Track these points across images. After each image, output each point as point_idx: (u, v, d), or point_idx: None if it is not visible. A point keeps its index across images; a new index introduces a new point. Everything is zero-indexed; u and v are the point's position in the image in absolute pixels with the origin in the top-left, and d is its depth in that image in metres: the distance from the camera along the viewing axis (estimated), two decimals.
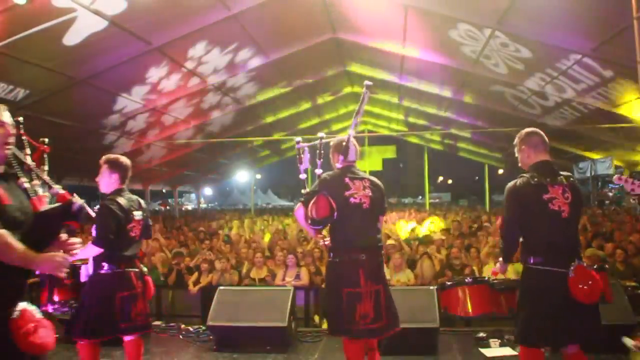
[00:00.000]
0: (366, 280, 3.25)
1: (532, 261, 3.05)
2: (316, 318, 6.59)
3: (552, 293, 2.95)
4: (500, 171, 23.35)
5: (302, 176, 3.62)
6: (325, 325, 6.32)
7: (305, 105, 15.33)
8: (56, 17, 6.23)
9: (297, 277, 6.84)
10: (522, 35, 7.60)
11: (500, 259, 3.35)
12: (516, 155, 3.33)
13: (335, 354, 5.02)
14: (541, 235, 3.04)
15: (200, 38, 8.41)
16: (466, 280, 4.01)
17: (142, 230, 3.82)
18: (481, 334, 5.27)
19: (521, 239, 3.14)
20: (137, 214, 3.75)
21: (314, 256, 7.47)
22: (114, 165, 3.77)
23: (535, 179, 3.06)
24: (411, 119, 17.47)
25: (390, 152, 23.84)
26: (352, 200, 3.33)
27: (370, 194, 3.41)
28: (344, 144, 3.48)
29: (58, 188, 3.03)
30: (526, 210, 3.06)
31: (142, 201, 3.92)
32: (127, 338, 3.78)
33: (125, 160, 3.83)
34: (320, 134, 3.69)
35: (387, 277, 6.80)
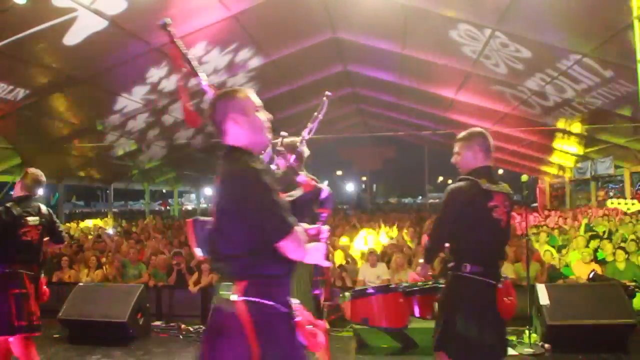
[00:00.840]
0: None
1: (468, 269, 2.82)
2: None
3: (484, 305, 2.80)
4: (500, 171, 23.35)
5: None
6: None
7: (305, 105, 15.33)
8: (56, 17, 6.23)
9: None
10: (522, 35, 7.60)
11: (422, 260, 3.15)
12: (457, 154, 3.02)
13: (335, 354, 5.02)
14: (482, 243, 2.85)
15: (200, 38, 8.41)
16: (368, 291, 3.86)
17: (40, 234, 4.03)
18: None
19: (454, 244, 2.93)
20: (32, 220, 3.97)
21: None
22: (22, 176, 4.15)
23: (486, 185, 2.85)
24: (411, 119, 17.47)
25: (390, 152, 23.89)
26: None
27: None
28: (297, 144, 3.44)
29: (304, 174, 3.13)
30: (468, 215, 2.84)
31: (43, 207, 4.12)
32: (18, 338, 3.85)
33: (33, 172, 4.14)
34: (282, 133, 3.74)
35: (388, 277, 6.85)
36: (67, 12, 6.24)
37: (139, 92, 9.66)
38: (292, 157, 3.40)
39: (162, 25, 2.46)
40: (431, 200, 27.18)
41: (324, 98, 3.51)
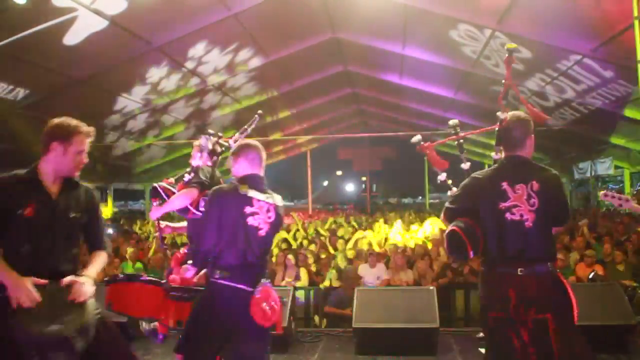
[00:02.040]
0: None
1: (217, 275, 2.86)
2: (316, 318, 6.59)
3: (230, 311, 2.83)
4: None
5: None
6: (324, 325, 6.34)
7: (305, 106, 15.33)
8: (56, 17, 6.24)
9: (297, 277, 6.85)
10: (522, 35, 7.60)
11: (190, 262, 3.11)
12: (231, 161, 3.16)
13: (335, 354, 5.03)
14: (233, 249, 2.88)
15: (200, 38, 8.41)
16: (141, 278, 3.57)
17: None
18: (481, 334, 5.26)
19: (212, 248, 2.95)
20: None
21: (314, 256, 7.48)
22: None
23: (244, 190, 2.94)
24: (411, 119, 17.46)
25: (390, 152, 23.86)
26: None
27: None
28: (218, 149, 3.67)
29: None
30: (224, 218, 2.89)
31: None
32: None
33: None
34: (209, 132, 3.97)
35: (387, 277, 6.85)
36: (67, 12, 6.25)
37: (139, 92, 9.66)
38: (205, 157, 3.69)
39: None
40: (431, 201, 27.18)
41: (256, 115, 4.02)
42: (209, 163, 3.80)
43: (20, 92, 7.61)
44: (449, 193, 3.30)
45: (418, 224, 11.78)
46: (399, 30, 8.87)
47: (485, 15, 7.41)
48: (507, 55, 3.19)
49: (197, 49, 8.77)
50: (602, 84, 8.33)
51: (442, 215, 3.00)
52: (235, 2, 7.67)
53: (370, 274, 6.97)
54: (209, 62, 9.50)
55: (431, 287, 5.42)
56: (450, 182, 3.51)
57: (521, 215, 2.69)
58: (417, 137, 3.54)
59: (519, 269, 2.65)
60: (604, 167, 14.00)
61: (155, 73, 9.08)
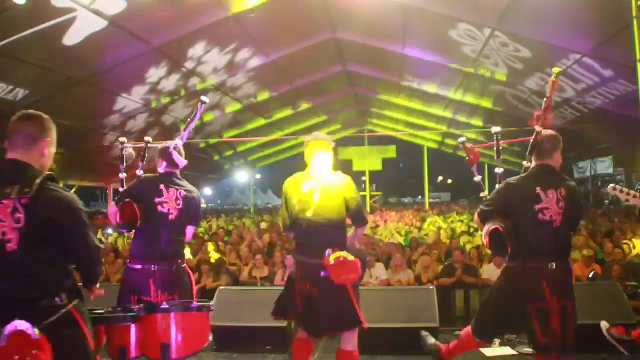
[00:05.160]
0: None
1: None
2: None
3: None
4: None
5: (139, 172, 3.95)
6: None
7: (305, 105, 15.33)
8: (56, 17, 6.23)
9: None
10: (522, 35, 7.60)
11: None
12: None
13: (334, 354, 5.01)
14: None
15: (200, 38, 8.41)
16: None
17: None
18: None
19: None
20: None
21: None
22: None
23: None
24: (411, 119, 17.47)
25: (390, 152, 23.83)
26: (159, 208, 3.42)
27: (181, 206, 3.48)
28: (169, 150, 3.60)
29: None
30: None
31: None
32: None
33: None
34: (146, 138, 4.07)
35: (386, 277, 6.83)
36: (66, 12, 6.24)
37: (139, 92, 9.66)
38: (164, 164, 3.61)
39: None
40: (431, 200, 27.19)
41: (199, 103, 3.94)
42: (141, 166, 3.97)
43: (20, 92, 7.60)
44: (481, 195, 3.72)
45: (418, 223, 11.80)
46: (399, 30, 8.86)
47: (485, 15, 7.41)
48: (553, 78, 3.65)
49: (197, 49, 8.77)
50: (602, 83, 8.33)
51: (476, 216, 3.38)
52: (235, 3, 7.67)
53: (367, 274, 6.95)
54: (209, 62, 9.50)
55: (431, 287, 5.43)
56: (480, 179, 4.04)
57: (551, 217, 3.09)
58: (462, 139, 3.99)
59: (549, 264, 3.05)
60: (604, 166, 14.02)
61: (155, 73, 9.08)
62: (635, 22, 4.80)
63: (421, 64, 10.37)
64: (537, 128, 3.34)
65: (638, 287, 5.96)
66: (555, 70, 3.67)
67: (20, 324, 1.92)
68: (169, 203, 3.45)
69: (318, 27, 9.69)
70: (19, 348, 1.90)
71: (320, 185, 3.44)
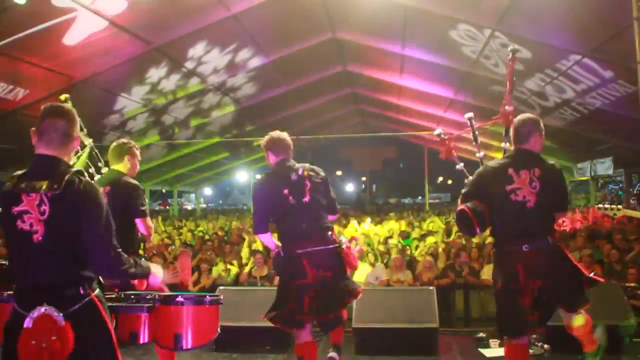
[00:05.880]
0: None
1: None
2: None
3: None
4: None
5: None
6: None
7: (305, 106, 15.33)
8: (56, 17, 6.23)
9: None
10: (522, 35, 7.59)
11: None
12: None
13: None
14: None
15: (200, 38, 8.41)
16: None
17: None
18: (481, 334, 5.28)
19: None
20: None
21: None
22: None
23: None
24: (411, 119, 17.47)
25: (390, 152, 23.87)
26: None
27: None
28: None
29: None
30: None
31: None
32: None
33: None
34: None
35: (386, 277, 6.84)
36: (66, 12, 6.23)
37: (139, 92, 9.66)
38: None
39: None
40: (431, 201, 27.21)
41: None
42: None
43: (20, 92, 7.60)
44: (465, 181, 3.67)
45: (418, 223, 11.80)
46: (399, 30, 8.86)
47: (485, 15, 7.41)
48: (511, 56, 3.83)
49: (197, 49, 8.77)
50: (602, 84, 8.32)
51: (459, 201, 3.33)
52: (235, 2, 7.66)
53: (369, 274, 6.97)
54: (209, 62, 9.50)
55: (431, 287, 5.43)
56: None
57: (524, 197, 3.04)
58: (438, 130, 4.21)
59: (524, 246, 3.01)
60: (604, 167, 14.00)
61: (155, 73, 9.08)
62: (635, 23, 4.80)
63: (421, 64, 10.37)
64: (508, 108, 3.57)
65: (638, 287, 5.98)
66: (513, 50, 3.96)
67: (48, 309, 2.06)
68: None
69: (318, 27, 9.69)
70: (44, 331, 2.02)
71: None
